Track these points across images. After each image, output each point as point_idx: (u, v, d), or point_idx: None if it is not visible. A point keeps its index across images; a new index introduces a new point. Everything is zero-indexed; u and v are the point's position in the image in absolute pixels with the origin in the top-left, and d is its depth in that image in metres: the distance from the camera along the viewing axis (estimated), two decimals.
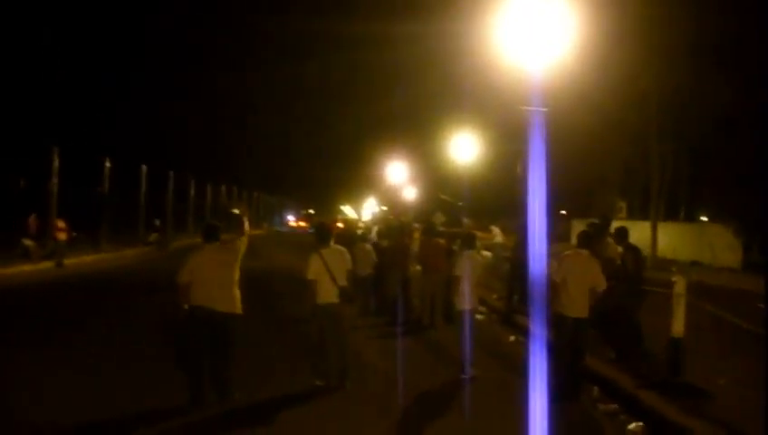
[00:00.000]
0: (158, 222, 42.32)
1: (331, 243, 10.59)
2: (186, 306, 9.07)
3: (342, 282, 10.16)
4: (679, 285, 10.59)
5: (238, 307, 9.21)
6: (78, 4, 60.87)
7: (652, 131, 37.77)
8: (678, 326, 10.48)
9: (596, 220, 15.42)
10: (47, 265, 27.81)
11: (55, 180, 31.94)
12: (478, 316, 17.83)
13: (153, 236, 40.63)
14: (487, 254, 25.31)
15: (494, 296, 19.83)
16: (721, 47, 33.10)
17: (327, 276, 10.07)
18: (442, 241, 17.54)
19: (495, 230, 28.34)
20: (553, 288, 10.42)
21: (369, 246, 17.49)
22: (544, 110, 10.89)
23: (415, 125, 65.89)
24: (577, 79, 27.18)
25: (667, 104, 36.83)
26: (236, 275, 9.28)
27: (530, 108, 9.35)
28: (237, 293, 9.23)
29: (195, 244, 9.98)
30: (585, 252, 10.48)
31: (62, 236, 28.55)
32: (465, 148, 27.13)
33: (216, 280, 9.08)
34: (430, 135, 47.61)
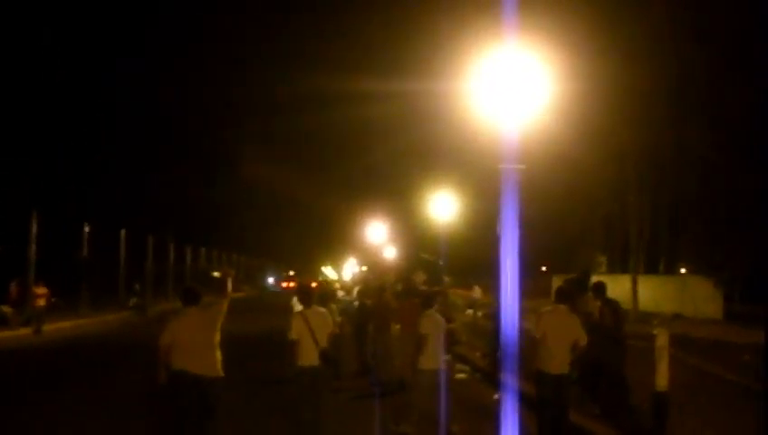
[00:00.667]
0: (137, 286, 41.99)
1: (313, 304, 10.50)
2: (165, 371, 8.95)
3: (324, 344, 10.08)
4: (661, 338, 10.54)
5: (220, 370, 9.11)
6: (58, 65, 60.97)
7: (630, 185, 38.01)
8: (662, 380, 10.41)
9: (574, 275, 15.43)
10: (25, 331, 27.53)
11: (34, 246, 31.76)
12: (461, 375, 17.80)
13: (133, 301, 40.30)
14: (469, 312, 25.31)
15: (478, 354, 19.70)
16: (699, 100, 33.50)
17: (309, 337, 9.98)
18: (419, 301, 17.47)
19: (476, 289, 28.34)
20: (533, 345, 10.31)
21: (334, 307, 17.17)
22: (522, 167, 10.89)
23: (393, 184, 66.29)
24: (555, 135, 27.38)
25: (645, 157, 37.10)
26: (217, 338, 9.19)
27: (507, 166, 9.37)
28: (219, 355, 9.14)
29: (175, 308, 9.89)
30: (563, 307, 10.42)
31: (41, 302, 28.28)
32: (443, 206, 27.16)
33: (197, 343, 8.99)
34: (409, 194, 47.85)
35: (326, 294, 18.29)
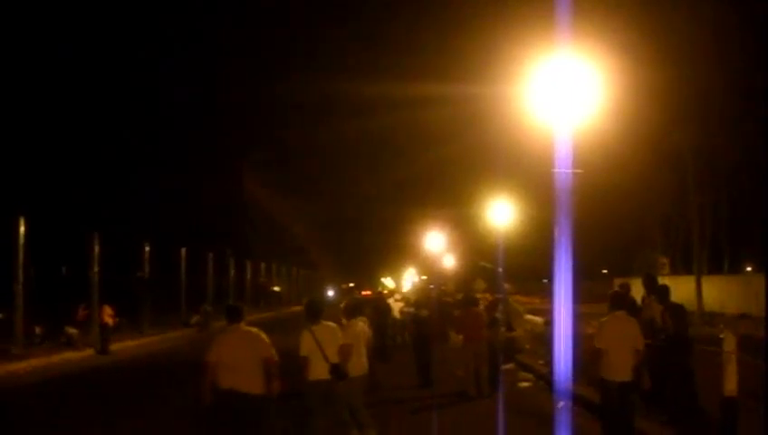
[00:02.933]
0: (207, 307, 42.23)
1: (322, 320, 10.46)
2: (210, 388, 8.98)
3: (334, 359, 10.08)
4: (728, 341, 10.32)
5: (263, 388, 9.07)
6: (106, 92, 61.98)
7: (689, 184, 37.49)
8: (731, 385, 10.19)
9: (625, 281, 15.23)
10: (90, 352, 27.90)
11: (96, 268, 32.21)
12: (524, 383, 17.65)
13: (195, 318, 40.66)
14: (538, 319, 25.07)
15: (540, 362, 19.51)
16: (754, 96, 32.91)
17: (318, 353, 10.00)
18: (481, 310, 17.41)
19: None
20: (596, 354, 10.19)
21: (365, 320, 16.87)
22: (578, 172, 10.78)
23: (450, 192, 65.81)
24: (609, 138, 27.11)
25: (702, 156, 36.57)
26: (268, 352, 9.18)
27: (562, 170, 9.27)
28: (262, 373, 9.08)
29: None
30: (621, 313, 10.36)
31: (109, 321, 28.59)
32: (501, 213, 27.01)
33: (242, 362, 9.02)
34: (466, 202, 47.57)
35: (357, 306, 18.31)
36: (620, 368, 10.00)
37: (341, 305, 13.80)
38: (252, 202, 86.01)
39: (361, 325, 12.11)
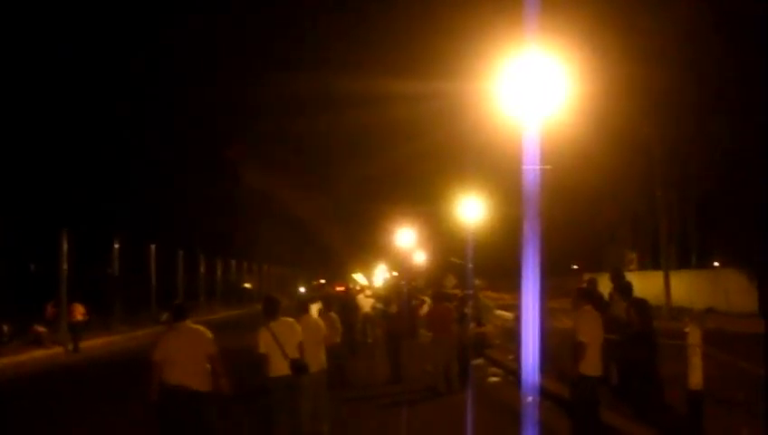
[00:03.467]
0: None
1: (279, 316, 10.42)
2: (158, 385, 9.07)
3: (293, 354, 10.07)
4: (693, 335, 10.43)
5: (209, 384, 9.21)
6: (79, 83, 61.48)
7: (657, 180, 37.76)
8: (696, 378, 10.30)
9: (593, 276, 15.38)
10: (58, 350, 27.73)
11: (65, 265, 31.97)
12: (494, 378, 17.74)
13: (164, 316, 40.44)
14: (508, 315, 25.21)
15: (510, 357, 19.61)
16: (723, 92, 33.18)
17: (277, 350, 9.98)
18: (451, 305, 17.49)
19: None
20: (582, 348, 10.05)
21: (334, 315, 16.81)
22: (547, 167, 10.86)
23: (420, 188, 65.93)
24: (578, 134, 27.23)
25: (670, 152, 36.85)
26: (212, 350, 9.30)
27: (531, 166, 9.33)
28: (208, 369, 9.23)
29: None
30: (590, 308, 10.40)
31: (80, 319, 28.39)
32: (471, 209, 27.13)
33: (187, 359, 9.12)
34: (436, 198, 47.67)
35: (329, 300, 18.29)
36: (597, 363, 10.08)
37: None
38: (224, 199, 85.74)
39: (313, 320, 12.10)
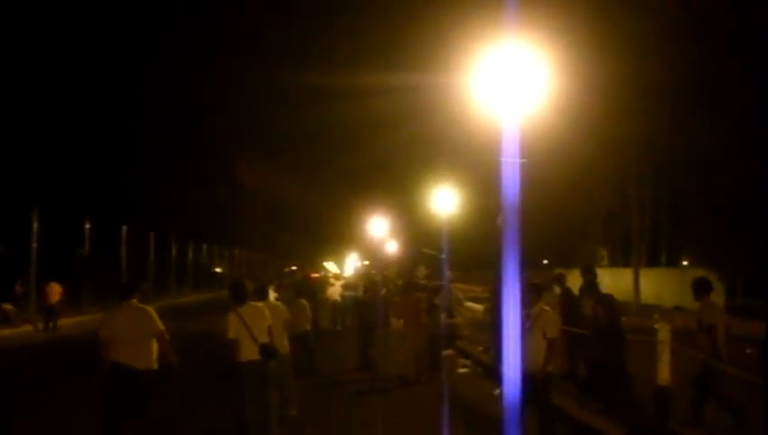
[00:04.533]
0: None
1: (248, 301, 10.44)
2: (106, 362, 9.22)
3: (263, 338, 10.07)
4: (662, 332, 10.53)
5: (154, 362, 9.35)
6: (54, 64, 61.00)
7: (631, 178, 37.99)
8: (664, 374, 10.40)
9: (561, 272, 15.48)
10: (27, 328, 27.61)
11: (35, 244, 31.77)
12: (463, 370, 17.81)
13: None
14: (478, 307, 25.33)
15: (480, 349, 19.69)
16: (698, 92, 33.42)
17: (246, 335, 9.95)
18: (422, 295, 17.58)
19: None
20: (554, 346, 9.99)
21: (305, 302, 16.86)
22: (522, 161, 10.87)
23: (394, 179, 66.06)
24: (554, 128, 27.32)
25: (645, 150, 37.05)
26: (157, 329, 9.42)
27: (508, 159, 9.35)
28: (154, 348, 9.35)
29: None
30: (545, 306, 10.33)
31: (56, 299, 28.27)
32: (444, 201, 27.17)
33: (131, 337, 9.24)
34: (410, 189, 47.76)
35: (300, 287, 18.29)
36: (562, 360, 10.15)
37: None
38: (197, 183, 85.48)
39: (275, 306, 12.10)
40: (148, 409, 9.37)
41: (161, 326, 9.38)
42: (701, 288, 11.32)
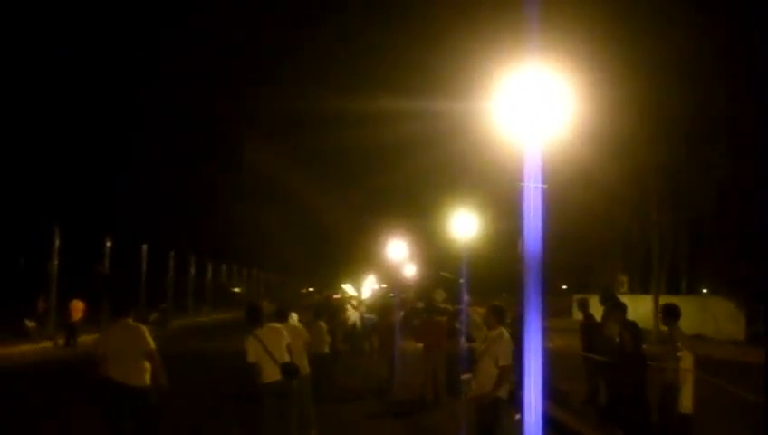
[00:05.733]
0: (164, 306, 42.41)
1: (267, 322, 10.53)
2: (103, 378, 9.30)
3: (283, 358, 10.11)
4: (686, 360, 10.48)
5: (147, 380, 9.38)
6: (79, 83, 61.50)
7: (651, 204, 37.86)
8: (687, 402, 10.34)
9: (584, 297, 15.42)
10: (47, 344, 27.73)
11: (56, 261, 31.97)
12: None
13: (153, 316, 40.46)
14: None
15: None
16: (718, 118, 33.40)
17: (266, 356, 10.02)
18: (443, 319, 17.58)
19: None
20: (506, 374, 9.82)
21: (323, 324, 16.94)
22: (543, 186, 10.90)
23: (414, 203, 66.27)
24: (575, 154, 27.36)
25: (665, 176, 36.96)
26: (148, 347, 9.42)
27: (528, 184, 9.38)
28: (147, 366, 9.38)
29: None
30: (503, 330, 10.13)
31: (78, 316, 28.42)
32: (464, 225, 27.16)
33: (124, 355, 9.32)
34: (430, 213, 47.80)
35: (321, 308, 18.31)
36: (508, 386, 9.99)
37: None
38: (217, 204, 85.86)
39: (294, 327, 12.12)
40: (152, 428, 9.47)
41: (152, 345, 9.43)
42: (670, 314, 11.30)
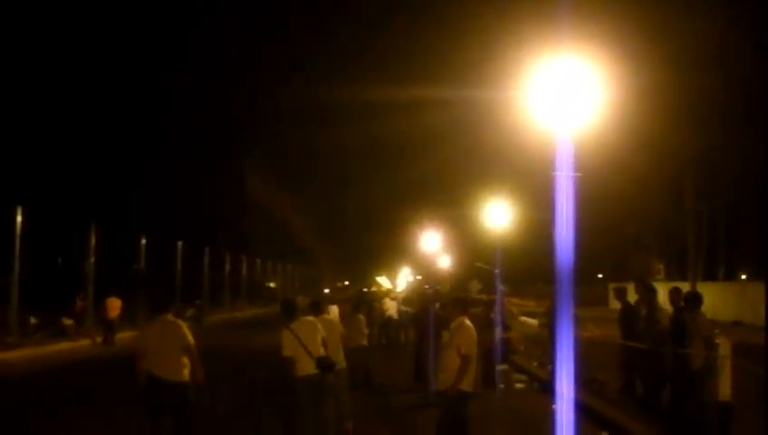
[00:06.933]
0: (198, 302, 42.77)
1: (299, 316, 10.50)
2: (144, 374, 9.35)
3: (318, 352, 10.11)
4: (724, 346, 10.39)
5: (185, 375, 9.40)
6: (115, 80, 62.09)
7: (687, 190, 37.56)
8: (725, 389, 10.25)
9: (620, 285, 15.33)
10: (85, 342, 27.99)
11: (92, 259, 32.26)
12: (519, 385, 17.69)
13: (189, 312, 40.70)
14: (533, 321, 25.20)
15: (535, 364, 19.54)
16: (755, 104, 33.00)
17: (301, 350, 10.01)
18: (478, 310, 17.52)
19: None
20: (467, 363, 9.44)
21: (362, 317, 17.09)
22: (577, 175, 10.80)
23: (447, 193, 65.96)
24: (609, 142, 27.17)
25: (701, 163, 36.64)
26: (186, 342, 9.43)
27: (561, 173, 9.30)
28: (186, 361, 9.40)
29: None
30: (465, 320, 9.87)
31: (115, 313, 28.66)
32: (498, 215, 27.08)
33: (163, 350, 9.36)
34: (463, 202, 47.63)
35: (358, 302, 18.32)
36: (475, 379, 9.75)
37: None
38: (252, 200, 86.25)
39: (329, 320, 12.10)
40: (192, 423, 9.50)
41: (191, 340, 9.46)
42: (691, 301, 11.49)
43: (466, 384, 9.49)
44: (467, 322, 9.79)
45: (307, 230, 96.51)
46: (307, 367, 10.02)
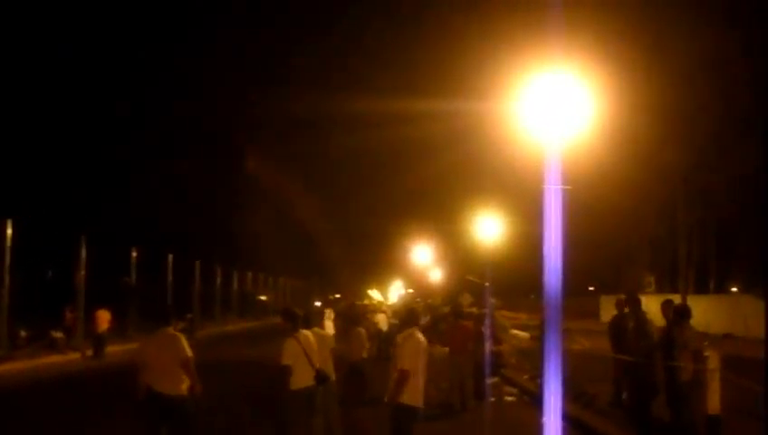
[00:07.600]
0: (189, 316, 42.62)
1: (301, 326, 10.45)
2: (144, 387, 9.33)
3: (319, 364, 10.11)
4: (713, 359, 10.38)
5: (184, 389, 9.38)
6: (106, 89, 62.08)
7: (678, 203, 37.64)
8: (714, 402, 10.24)
9: (619, 297, 15.37)
10: (75, 355, 27.86)
11: (83, 272, 32.14)
12: (509, 398, 17.65)
13: (181, 325, 40.48)
14: (524, 334, 25.21)
15: (525, 377, 19.53)
16: (746, 117, 33.13)
17: (304, 359, 9.98)
18: (469, 323, 17.51)
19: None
20: (404, 377, 9.02)
21: (362, 331, 17.09)
22: (567, 188, 10.80)
23: (438, 206, 65.89)
24: (600, 154, 27.21)
25: (692, 176, 36.74)
26: (183, 355, 9.41)
27: (551, 186, 9.30)
28: (184, 375, 9.37)
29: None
30: (414, 332, 9.45)
31: (104, 326, 28.52)
32: (489, 228, 27.09)
33: (162, 364, 9.34)
34: (454, 216, 47.60)
35: (356, 316, 18.27)
36: (419, 393, 9.24)
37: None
38: (242, 213, 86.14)
39: (322, 333, 12.03)
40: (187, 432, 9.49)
41: (189, 353, 9.42)
42: (679, 314, 11.66)
43: (409, 398, 9.09)
44: (417, 334, 9.40)
45: (296, 242, 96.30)
46: (305, 378, 9.99)
